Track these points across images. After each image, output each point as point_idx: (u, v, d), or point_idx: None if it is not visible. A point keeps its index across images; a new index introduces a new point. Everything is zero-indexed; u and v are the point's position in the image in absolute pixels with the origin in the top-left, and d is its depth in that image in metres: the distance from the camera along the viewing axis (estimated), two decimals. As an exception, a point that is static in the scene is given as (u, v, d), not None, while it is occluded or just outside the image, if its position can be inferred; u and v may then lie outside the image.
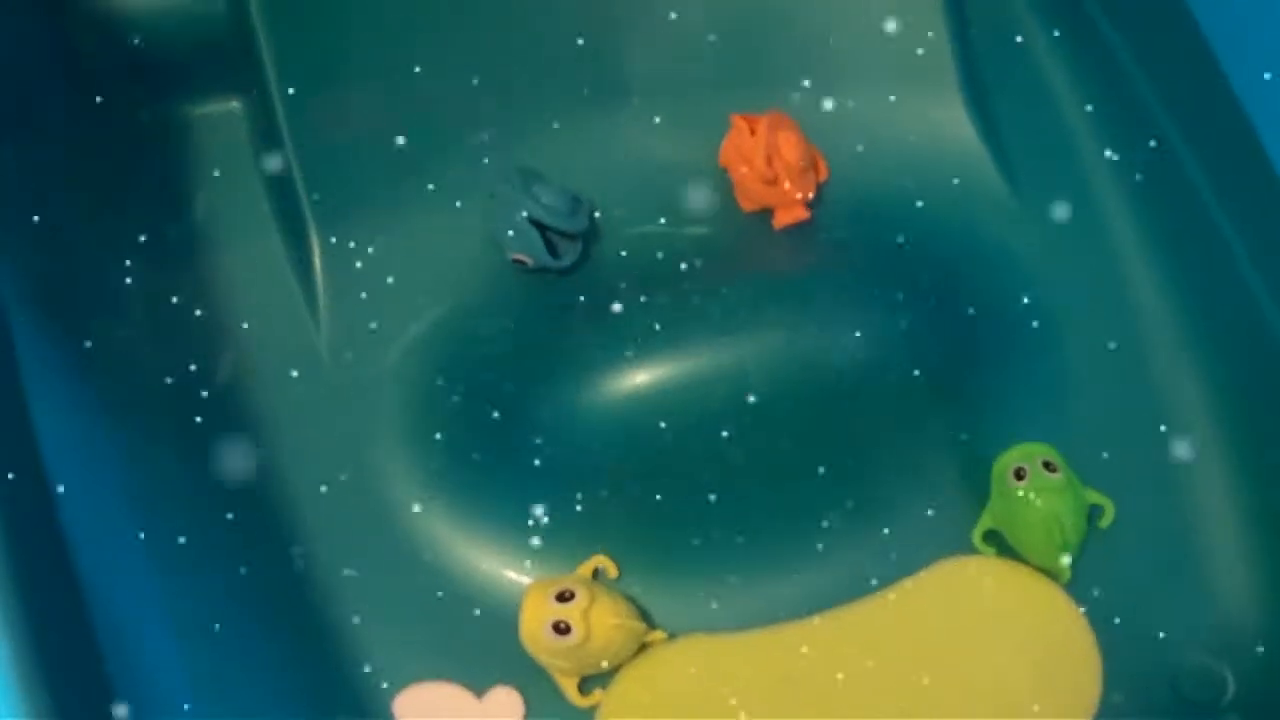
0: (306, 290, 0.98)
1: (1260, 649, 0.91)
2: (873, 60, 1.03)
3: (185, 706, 0.85)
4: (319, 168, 0.98)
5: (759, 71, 1.03)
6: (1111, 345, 0.98)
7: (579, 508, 0.94)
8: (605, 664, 0.89)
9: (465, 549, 0.93)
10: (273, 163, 0.99)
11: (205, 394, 0.95)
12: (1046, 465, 0.90)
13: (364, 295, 0.98)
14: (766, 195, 0.98)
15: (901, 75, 1.03)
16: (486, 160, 0.99)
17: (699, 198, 1.00)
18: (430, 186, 0.99)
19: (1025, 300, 0.99)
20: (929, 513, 0.94)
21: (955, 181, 1.02)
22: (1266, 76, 0.92)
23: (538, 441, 0.95)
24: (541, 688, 0.90)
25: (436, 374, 0.96)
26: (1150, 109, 1.01)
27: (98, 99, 0.97)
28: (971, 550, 0.94)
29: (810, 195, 0.99)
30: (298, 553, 0.93)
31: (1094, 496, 0.93)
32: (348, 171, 0.99)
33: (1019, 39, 1.05)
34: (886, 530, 0.94)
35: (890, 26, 1.02)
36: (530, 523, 0.93)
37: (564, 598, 0.86)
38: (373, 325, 0.97)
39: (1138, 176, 1.01)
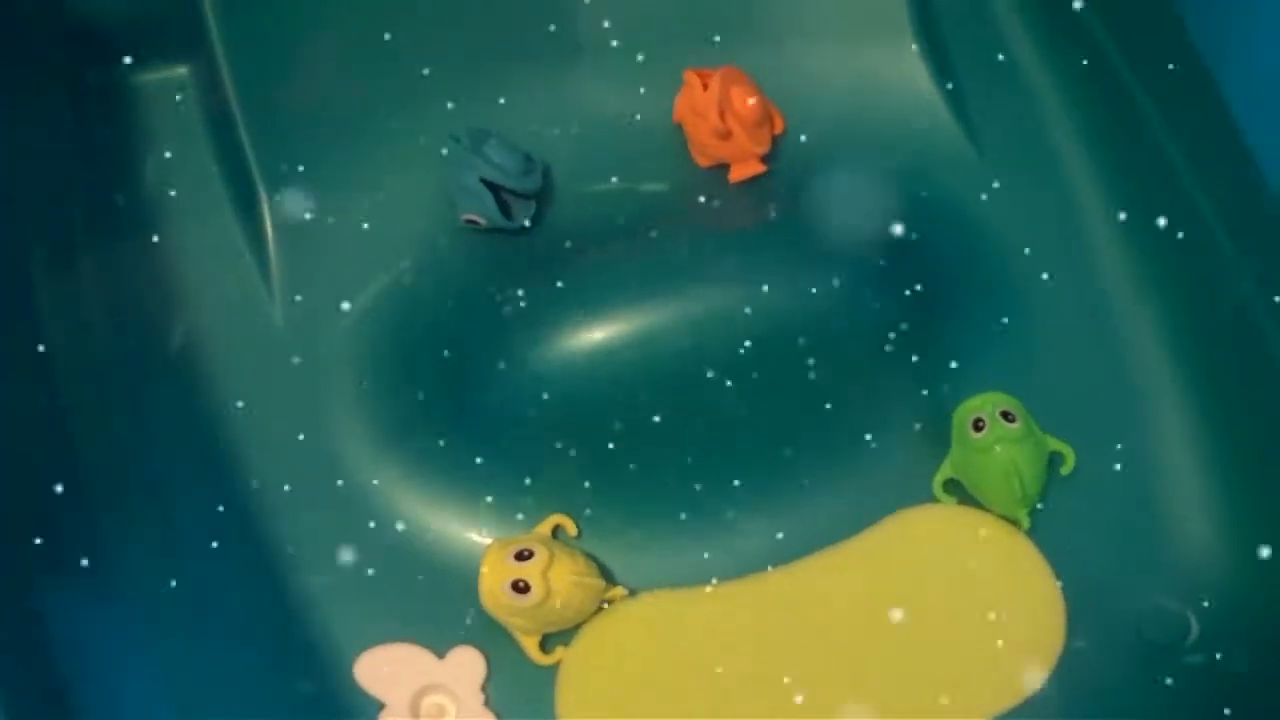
0: (258, 255, 0.97)
1: (1222, 590, 0.91)
2: (828, 13, 1.02)
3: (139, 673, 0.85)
4: (268, 132, 0.98)
5: (712, 26, 1.02)
6: (1071, 295, 0.98)
7: (538, 466, 0.93)
8: (566, 622, 0.89)
9: (423, 510, 0.93)
10: (221, 128, 0.98)
11: (159, 363, 0.95)
12: (1005, 415, 0.90)
13: (316, 259, 0.97)
14: (721, 150, 0.98)
15: (857, 28, 1.03)
16: (437, 121, 0.98)
17: (653, 154, 0.99)
18: (381, 149, 0.99)
19: (984, 251, 0.99)
20: (889, 463, 0.94)
21: (913, 133, 1.01)
22: (1228, 28, 0.92)
23: (494, 401, 0.94)
24: (503, 647, 0.90)
25: (392, 337, 0.96)
26: (1111, 58, 1.00)
27: (42, 66, 0.96)
28: (931, 499, 0.93)
29: (766, 149, 0.99)
30: (254, 524, 0.92)
31: (1055, 444, 0.93)
32: (297, 136, 0.98)
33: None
34: (847, 481, 0.94)
35: (845, -22, 1.02)
36: (488, 482, 0.93)
37: (522, 556, 0.86)
38: (326, 289, 0.96)
39: (1098, 126, 1.01)
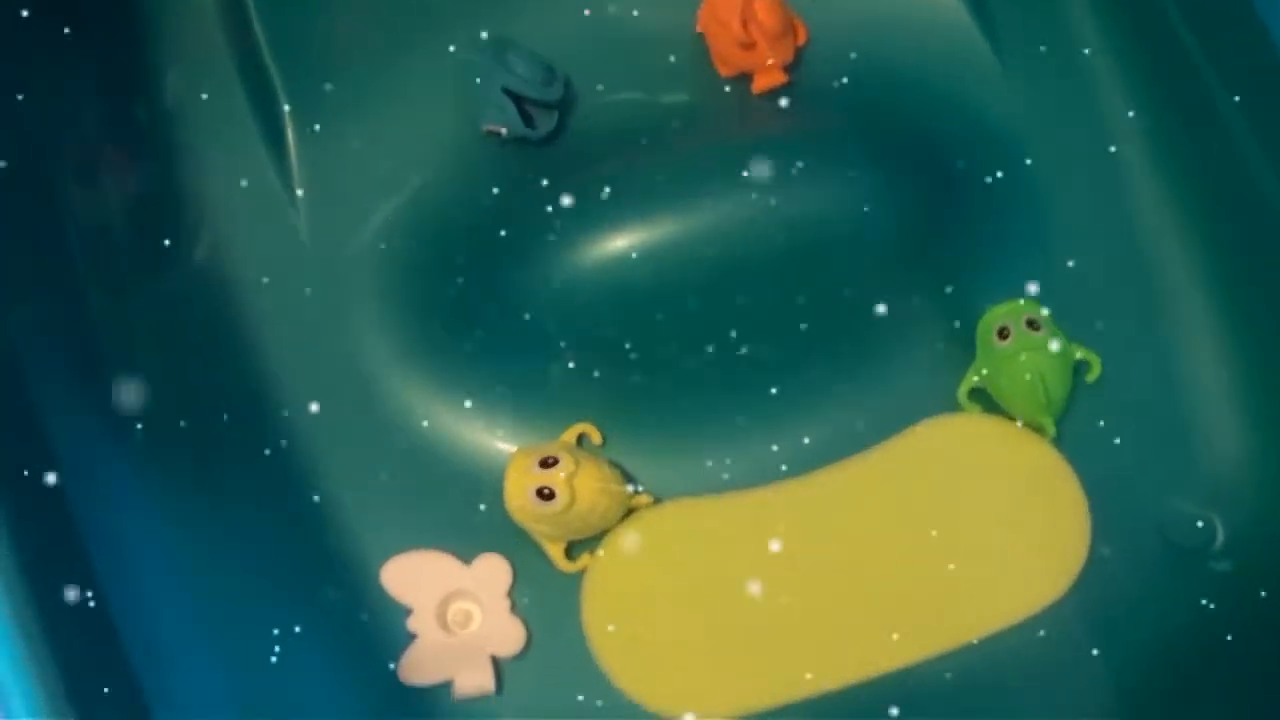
0: (281, 169, 0.96)
1: (1248, 495, 0.91)
2: (850, -78, 1.02)
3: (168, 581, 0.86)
4: (289, 44, 0.97)
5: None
6: (1096, 202, 0.98)
7: (563, 374, 0.94)
8: (591, 529, 0.89)
9: (449, 418, 0.93)
10: (241, 40, 0.98)
11: (183, 276, 0.95)
12: (1030, 323, 0.90)
13: (339, 171, 0.96)
14: (744, 60, 0.97)
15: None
16: (458, 32, 0.97)
17: (676, 64, 0.99)
18: (402, 59, 0.98)
19: (1009, 160, 0.98)
20: (914, 372, 0.94)
21: (935, 41, 1.00)
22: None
23: (519, 311, 0.94)
24: (529, 554, 0.90)
25: (415, 248, 0.95)
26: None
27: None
28: (957, 408, 0.93)
29: (789, 59, 0.98)
30: (281, 432, 0.92)
31: (1080, 352, 0.93)
32: (318, 47, 0.98)
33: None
34: (872, 390, 0.94)
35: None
36: (513, 390, 0.93)
37: (547, 464, 0.86)
38: (349, 201, 0.96)
39: (1125, 37, 1.00)
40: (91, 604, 0.80)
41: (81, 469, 0.84)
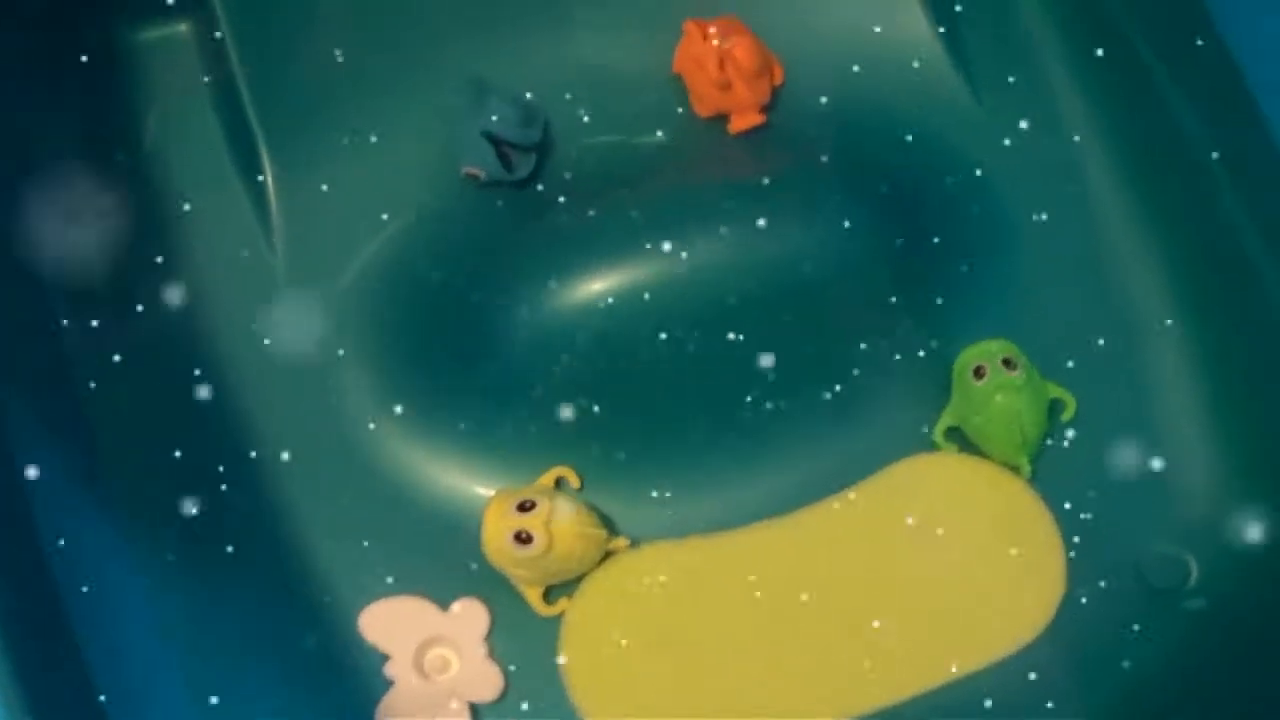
0: (260, 212, 0.97)
1: (1221, 534, 0.91)
2: (826, -37, 1.02)
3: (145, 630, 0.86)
4: (268, 88, 0.97)
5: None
6: (1070, 242, 0.98)
7: (541, 417, 0.94)
8: (569, 573, 0.89)
9: (427, 463, 0.93)
10: (222, 85, 0.98)
11: (161, 321, 0.95)
12: (1006, 362, 0.90)
13: (318, 215, 0.96)
14: (721, 101, 0.98)
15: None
16: (437, 76, 0.98)
17: (653, 105, 0.99)
18: (381, 102, 0.98)
19: (984, 198, 0.99)
20: (891, 412, 0.95)
21: (913, 80, 1.01)
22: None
23: (498, 354, 0.94)
24: (506, 599, 0.90)
25: (393, 291, 0.96)
26: (1113, 11, 1.00)
27: (41, 24, 0.96)
28: (933, 448, 0.94)
29: (766, 100, 0.98)
30: (258, 479, 0.92)
31: (1055, 391, 0.93)
32: (297, 90, 0.98)
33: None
34: (848, 430, 0.94)
35: (844, -76, 1.01)
36: (491, 434, 0.93)
37: (525, 508, 0.86)
38: (328, 244, 0.96)
39: (1099, 78, 1.00)
40: (68, 655, 0.81)
41: (57, 523, 0.85)
